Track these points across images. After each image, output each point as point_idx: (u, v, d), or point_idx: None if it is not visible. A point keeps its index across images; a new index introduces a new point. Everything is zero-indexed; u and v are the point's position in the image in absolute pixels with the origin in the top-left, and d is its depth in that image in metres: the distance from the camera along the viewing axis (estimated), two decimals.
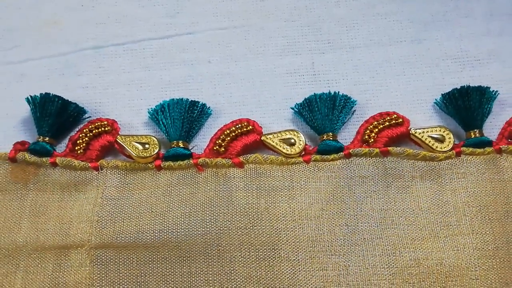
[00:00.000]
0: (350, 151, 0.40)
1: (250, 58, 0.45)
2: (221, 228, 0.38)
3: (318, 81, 0.44)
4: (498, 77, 0.43)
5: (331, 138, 0.41)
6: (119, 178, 0.40)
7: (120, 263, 0.38)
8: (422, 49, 0.45)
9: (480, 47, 0.45)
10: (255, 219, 0.38)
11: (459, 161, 0.40)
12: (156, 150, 0.40)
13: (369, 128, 0.41)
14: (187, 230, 0.38)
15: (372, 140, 0.41)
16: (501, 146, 0.40)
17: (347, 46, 0.45)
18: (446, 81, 0.43)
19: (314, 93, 0.42)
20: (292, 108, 0.42)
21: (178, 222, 0.38)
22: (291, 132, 0.41)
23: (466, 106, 0.41)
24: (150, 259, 0.38)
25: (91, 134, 0.41)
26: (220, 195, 0.39)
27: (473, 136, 0.41)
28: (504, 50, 0.45)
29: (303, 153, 0.40)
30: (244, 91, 0.44)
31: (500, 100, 0.42)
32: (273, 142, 0.40)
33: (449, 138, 0.40)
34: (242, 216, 0.38)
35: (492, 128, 0.42)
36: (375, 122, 0.41)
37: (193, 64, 0.45)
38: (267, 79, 0.44)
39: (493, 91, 0.42)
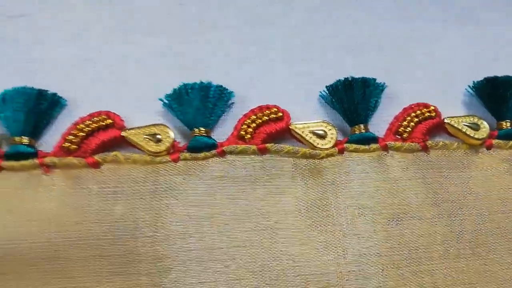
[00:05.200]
0: (224, 148, 0.38)
1: (112, 40, 0.41)
2: (68, 239, 0.34)
3: (191, 69, 0.40)
4: (388, 67, 0.42)
5: (203, 134, 0.38)
6: None
7: None
8: (305, 36, 0.43)
9: (370, 34, 0.44)
10: (108, 228, 0.35)
11: (342, 159, 0.39)
12: None
13: (246, 123, 0.38)
14: (28, 241, 0.34)
15: (249, 136, 0.38)
16: (387, 143, 0.39)
17: (221, 26, 0.42)
18: (332, 71, 0.41)
19: (184, 83, 0.39)
20: (161, 100, 0.39)
21: (16, 233, 0.34)
22: (157, 127, 0.37)
23: (349, 99, 0.39)
24: None
25: None
26: (69, 200, 0.35)
27: (357, 131, 0.39)
28: (392, 40, 0.44)
29: (171, 150, 0.37)
30: (105, 80, 0.40)
31: (391, 93, 0.41)
32: (137, 138, 0.37)
33: (332, 134, 0.38)
34: (93, 225, 0.35)
35: (381, 123, 0.40)
36: (254, 116, 0.38)
37: (43, 46, 0.40)
38: (132, 64, 0.41)
39: (380, 83, 0.41)
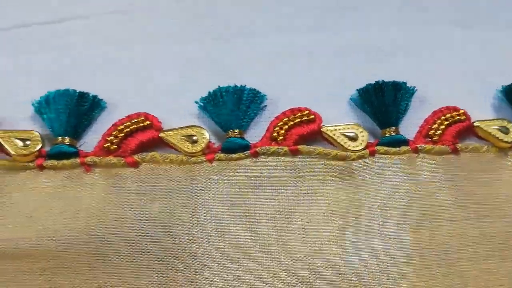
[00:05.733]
0: (257, 149, 0.39)
1: (150, 45, 0.43)
2: (108, 236, 0.36)
3: (228, 72, 0.42)
4: (418, 71, 0.43)
5: (237, 135, 0.39)
6: None
7: None
8: (336, 39, 0.44)
9: (399, 38, 0.44)
10: (147, 225, 0.36)
11: (373, 160, 0.39)
12: (38, 147, 0.37)
13: (278, 125, 0.39)
14: (69, 237, 0.35)
15: (281, 137, 0.39)
16: (417, 145, 0.40)
17: (250, 33, 0.44)
18: (363, 75, 0.42)
19: (219, 86, 0.40)
20: (197, 102, 0.40)
21: (59, 229, 0.36)
22: (193, 128, 0.39)
23: (380, 103, 0.40)
24: (27, 270, 0.35)
25: None
26: (109, 198, 0.37)
27: (388, 134, 0.40)
28: (421, 43, 0.45)
29: (206, 151, 0.39)
30: (144, 83, 0.42)
31: (420, 96, 0.42)
32: (173, 139, 0.38)
33: (363, 136, 0.39)
34: (132, 222, 0.36)
35: (411, 126, 0.41)
36: (286, 119, 0.40)
37: (88, 51, 0.42)
38: (171, 69, 0.42)
39: (411, 86, 0.41)
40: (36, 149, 0.37)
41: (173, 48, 0.43)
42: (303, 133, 0.39)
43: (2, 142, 0.37)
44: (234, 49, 0.44)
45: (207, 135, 0.38)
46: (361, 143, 0.39)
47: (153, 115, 0.39)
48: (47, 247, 0.35)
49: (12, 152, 0.37)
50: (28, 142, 0.37)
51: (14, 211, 0.36)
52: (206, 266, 0.36)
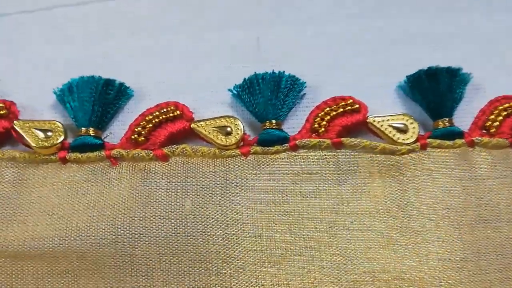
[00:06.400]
0: (297, 142, 0.36)
1: (182, 31, 0.40)
2: (136, 235, 0.33)
3: (263, 59, 0.39)
4: (472, 58, 0.39)
5: (274, 127, 0.36)
6: (15, 172, 0.35)
7: (13, 275, 0.33)
8: (383, 25, 0.41)
9: (450, 24, 0.41)
10: (178, 224, 0.33)
11: (425, 155, 0.36)
12: (60, 139, 0.34)
13: (319, 115, 0.36)
14: (93, 237, 0.33)
15: (322, 129, 0.36)
16: (473, 138, 0.36)
17: (297, 20, 0.41)
18: (411, 62, 0.38)
19: (255, 73, 0.37)
20: (230, 90, 0.37)
21: (84, 228, 0.33)
22: (227, 119, 0.36)
23: (433, 91, 0.37)
24: (49, 272, 0.33)
25: None
26: (137, 194, 0.34)
27: (441, 125, 0.37)
28: (475, 28, 0.41)
29: (241, 144, 0.36)
30: (174, 70, 0.39)
31: (475, 84, 0.38)
32: (206, 130, 0.35)
33: (413, 128, 0.36)
34: (162, 221, 0.33)
35: (464, 117, 0.38)
36: (327, 108, 0.36)
37: (113, 37, 0.40)
38: (202, 56, 0.40)
39: (467, 73, 0.38)
40: (58, 141, 0.34)
41: (207, 36, 0.41)
42: (347, 124, 0.36)
43: (22, 133, 0.35)
44: (275, 37, 0.41)
45: (241, 126, 0.35)
46: (411, 136, 0.36)
47: (183, 104, 0.36)
48: (70, 247, 0.33)
49: (33, 144, 0.34)
50: (49, 133, 0.35)
51: (35, 208, 0.34)
52: (241, 270, 0.33)
